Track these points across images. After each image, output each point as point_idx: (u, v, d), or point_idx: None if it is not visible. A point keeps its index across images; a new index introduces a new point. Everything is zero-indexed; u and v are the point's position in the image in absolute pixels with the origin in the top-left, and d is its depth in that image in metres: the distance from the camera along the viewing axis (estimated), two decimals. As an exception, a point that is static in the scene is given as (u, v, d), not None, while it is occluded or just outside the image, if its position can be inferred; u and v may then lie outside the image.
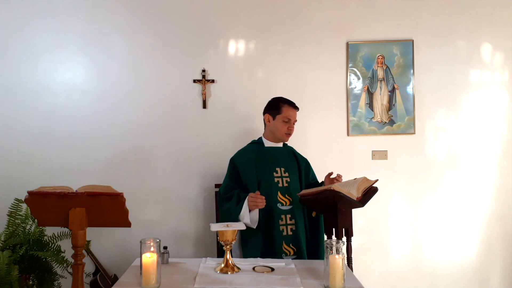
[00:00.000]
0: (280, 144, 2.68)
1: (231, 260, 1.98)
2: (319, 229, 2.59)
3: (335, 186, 2.28)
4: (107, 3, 3.10)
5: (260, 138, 2.69)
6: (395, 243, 3.24)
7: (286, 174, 2.56)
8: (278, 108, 2.57)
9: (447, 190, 3.24)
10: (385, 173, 3.14)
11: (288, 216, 2.48)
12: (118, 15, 3.11)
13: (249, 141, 2.75)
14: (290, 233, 2.46)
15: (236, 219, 2.35)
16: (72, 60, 3.10)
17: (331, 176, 2.51)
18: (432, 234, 3.24)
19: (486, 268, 3.25)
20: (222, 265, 1.97)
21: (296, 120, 2.61)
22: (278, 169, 2.56)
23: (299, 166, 2.65)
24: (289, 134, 2.59)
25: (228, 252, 1.99)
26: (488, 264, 3.25)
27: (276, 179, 2.53)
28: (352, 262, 2.46)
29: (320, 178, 2.67)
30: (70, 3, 3.09)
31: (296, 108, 2.60)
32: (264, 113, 2.64)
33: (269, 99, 2.67)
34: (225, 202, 2.47)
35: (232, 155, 2.65)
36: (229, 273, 1.93)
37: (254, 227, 2.39)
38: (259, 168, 2.53)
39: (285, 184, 2.53)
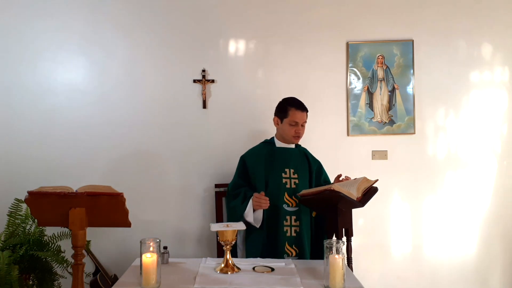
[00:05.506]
0: (293, 145, 2.66)
1: (231, 260, 1.99)
2: (324, 231, 2.59)
3: (335, 186, 2.28)
4: (107, 3, 3.10)
5: (272, 138, 2.68)
6: (395, 243, 3.24)
7: (295, 176, 2.55)
8: (285, 112, 2.54)
9: (447, 190, 3.23)
10: (385, 173, 3.14)
11: (293, 217, 2.48)
12: (118, 15, 3.11)
13: (255, 141, 2.75)
14: (293, 234, 2.46)
15: (241, 216, 2.37)
16: (72, 60, 3.10)
17: (340, 178, 2.51)
18: (432, 234, 3.23)
19: (486, 268, 3.24)
20: (222, 265, 1.98)
21: (305, 122, 2.57)
22: (287, 170, 2.55)
23: (310, 168, 2.63)
24: (297, 136, 2.56)
25: (228, 252, 1.99)
26: (488, 264, 3.25)
27: (284, 180, 2.52)
28: (352, 262, 2.46)
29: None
30: (70, 3, 3.08)
31: (305, 110, 2.56)
32: (275, 114, 2.63)
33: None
34: (232, 199, 2.51)
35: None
36: (229, 273, 1.94)
37: (258, 226, 2.41)
38: (268, 167, 2.53)
39: (293, 186, 2.52)
